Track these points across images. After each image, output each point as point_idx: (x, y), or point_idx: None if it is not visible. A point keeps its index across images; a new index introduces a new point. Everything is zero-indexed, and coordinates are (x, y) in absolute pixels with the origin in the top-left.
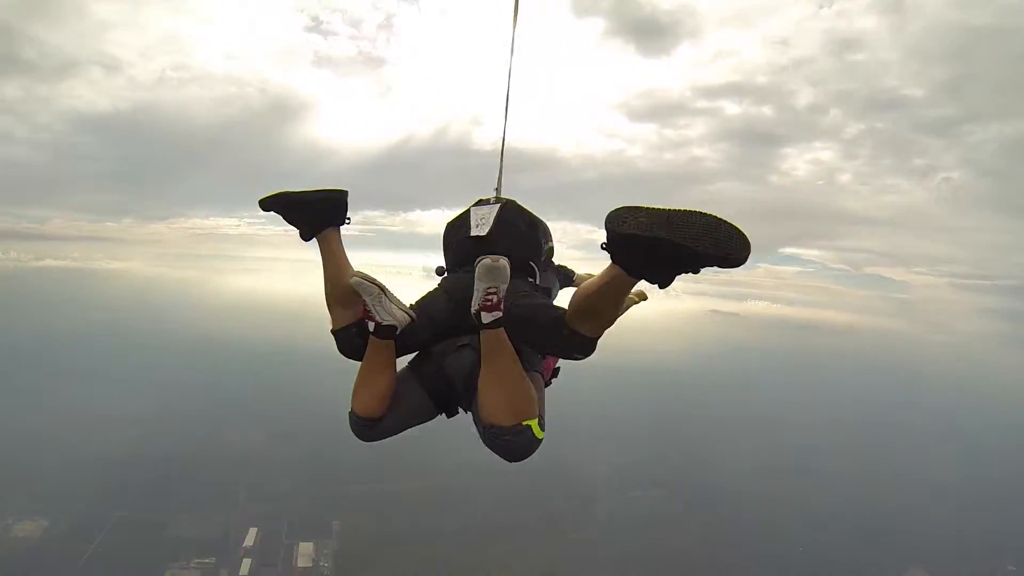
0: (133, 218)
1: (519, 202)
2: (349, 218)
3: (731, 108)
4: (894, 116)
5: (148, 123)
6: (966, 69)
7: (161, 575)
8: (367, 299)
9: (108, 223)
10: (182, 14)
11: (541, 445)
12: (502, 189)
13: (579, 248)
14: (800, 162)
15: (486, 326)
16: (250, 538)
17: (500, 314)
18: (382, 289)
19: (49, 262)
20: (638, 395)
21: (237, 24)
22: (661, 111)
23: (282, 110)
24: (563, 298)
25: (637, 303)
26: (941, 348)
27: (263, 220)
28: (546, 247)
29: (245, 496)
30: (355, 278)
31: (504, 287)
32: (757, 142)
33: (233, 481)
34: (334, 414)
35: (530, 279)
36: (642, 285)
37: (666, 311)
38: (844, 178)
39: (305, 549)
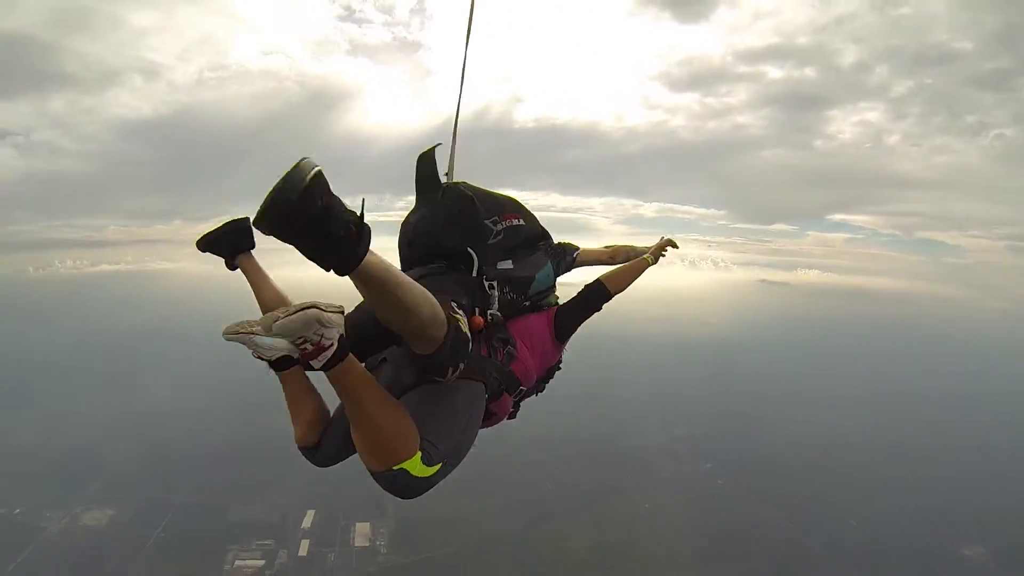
0: (182, 219)
1: (468, 182)
2: (254, 243)
3: (773, 72)
4: (943, 71)
5: (190, 125)
6: (1019, 18)
7: (223, 558)
8: (247, 347)
9: (159, 225)
10: (215, 15)
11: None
12: (453, 173)
13: (626, 223)
14: (846, 125)
15: (322, 368)
16: (308, 520)
17: (331, 353)
18: (251, 332)
19: (104, 267)
20: (689, 367)
21: (271, 19)
22: (702, 79)
23: (321, 101)
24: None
25: (651, 264)
26: (999, 315)
27: None
28: (498, 228)
29: (301, 479)
30: (225, 335)
31: (313, 331)
32: (801, 106)
33: (289, 465)
34: None
35: (480, 273)
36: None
37: (714, 282)
38: (892, 140)
39: (362, 529)
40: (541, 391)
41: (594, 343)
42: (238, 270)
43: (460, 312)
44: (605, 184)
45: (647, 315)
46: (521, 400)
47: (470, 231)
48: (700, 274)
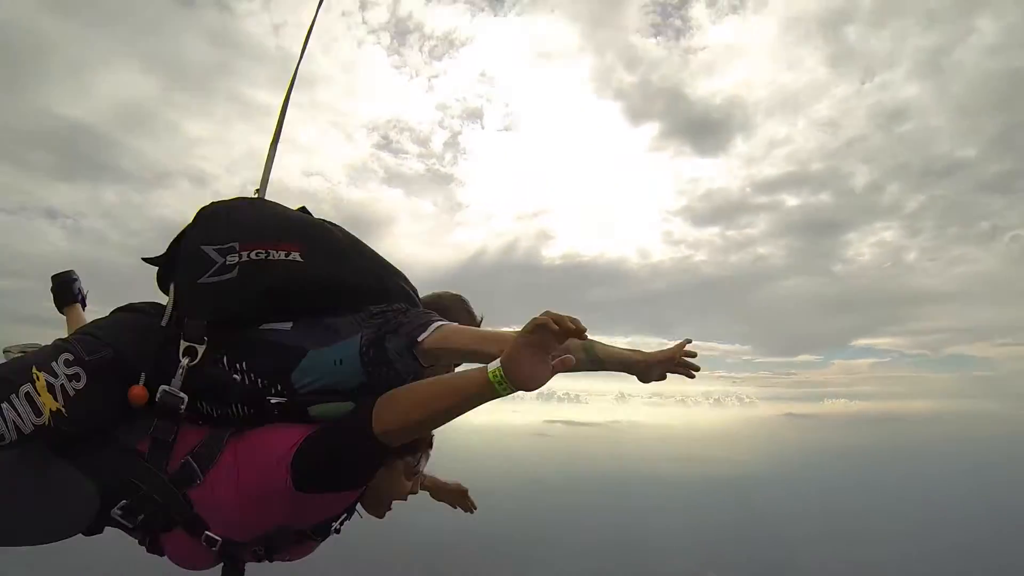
0: None
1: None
2: (82, 295)
3: (790, 200)
4: (952, 181)
5: None
6: (1016, 117)
7: None
8: None
9: None
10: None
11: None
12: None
13: None
14: (864, 247)
15: None
16: None
17: None
18: None
19: None
20: (717, 507)
21: (316, 142)
22: (723, 212)
23: (356, 226)
24: None
25: (500, 389)
26: None
27: None
28: (228, 261)
29: None
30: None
31: None
32: (819, 232)
33: None
34: None
35: (176, 323)
36: None
37: (740, 418)
38: (910, 257)
39: None
40: (268, 559)
41: (615, 485)
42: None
43: (47, 370)
44: (631, 323)
45: (671, 455)
46: (234, 556)
47: (177, 258)
48: (726, 411)
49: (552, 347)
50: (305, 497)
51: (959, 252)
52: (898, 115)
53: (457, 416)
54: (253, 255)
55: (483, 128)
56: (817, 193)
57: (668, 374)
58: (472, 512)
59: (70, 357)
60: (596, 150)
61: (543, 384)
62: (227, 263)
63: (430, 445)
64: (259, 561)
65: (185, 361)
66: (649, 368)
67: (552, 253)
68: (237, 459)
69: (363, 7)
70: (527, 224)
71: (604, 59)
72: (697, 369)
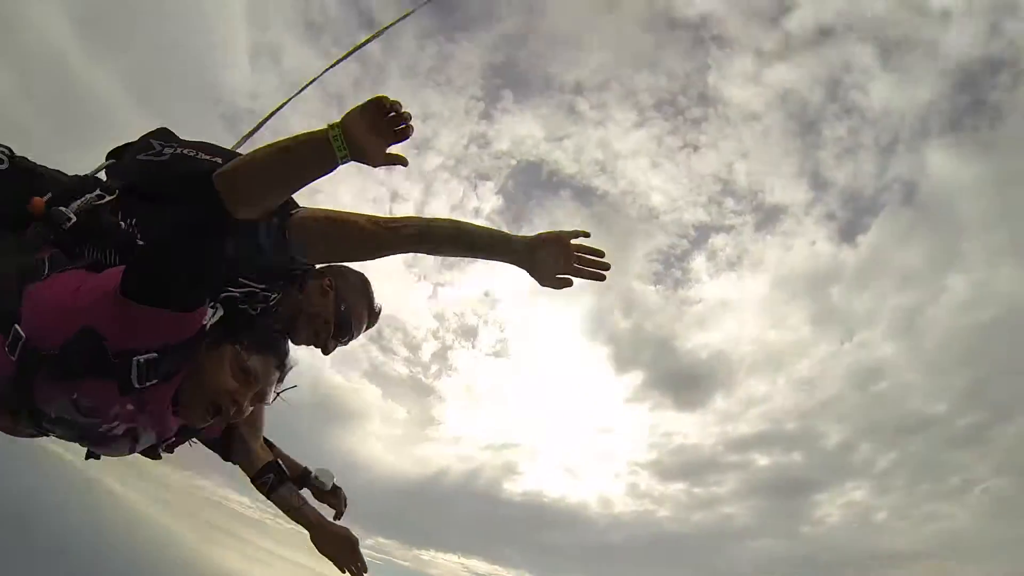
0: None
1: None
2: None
3: (761, 459)
4: (923, 438)
5: None
6: (985, 369)
7: None
8: None
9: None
10: None
11: None
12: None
13: None
14: (833, 508)
15: None
16: None
17: None
18: None
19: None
20: None
21: None
22: (692, 468)
23: (327, 410)
24: None
25: (340, 152)
26: None
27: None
28: (164, 150)
29: None
30: None
31: None
32: (788, 492)
33: None
34: None
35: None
36: None
37: None
38: (880, 516)
39: None
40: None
41: None
42: None
43: None
44: (584, 571)
45: None
46: (31, 370)
47: (133, 143)
48: None
49: (382, 129)
50: (125, 306)
51: (930, 509)
52: (874, 374)
53: (300, 175)
54: (185, 151)
55: (474, 348)
56: (788, 453)
57: (575, 279)
58: None
59: (7, 152)
60: (578, 393)
61: (376, 162)
62: (163, 151)
63: (278, 356)
64: (52, 389)
65: (90, 197)
66: (537, 253)
67: (514, 488)
68: (86, 276)
69: (393, 198)
70: (495, 455)
71: (603, 300)
72: (607, 268)
